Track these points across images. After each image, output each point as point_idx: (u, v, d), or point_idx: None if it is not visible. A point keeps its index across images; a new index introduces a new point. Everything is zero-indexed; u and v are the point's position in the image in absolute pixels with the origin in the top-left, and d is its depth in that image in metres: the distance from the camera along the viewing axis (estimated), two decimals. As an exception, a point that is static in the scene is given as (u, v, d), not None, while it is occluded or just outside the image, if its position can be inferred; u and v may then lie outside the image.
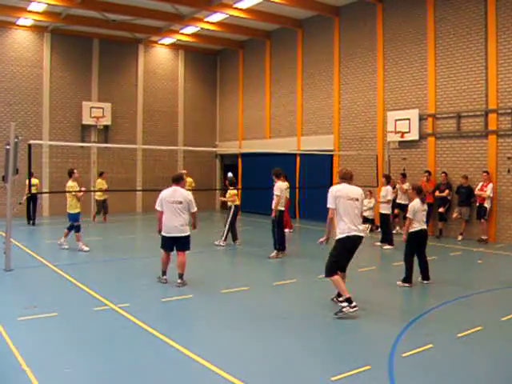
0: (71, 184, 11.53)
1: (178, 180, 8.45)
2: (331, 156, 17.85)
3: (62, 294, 7.90)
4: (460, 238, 13.81)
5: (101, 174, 18.10)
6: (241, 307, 7.21)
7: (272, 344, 5.71)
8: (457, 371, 4.97)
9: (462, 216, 13.79)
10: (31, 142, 10.41)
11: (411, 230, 8.30)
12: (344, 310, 6.55)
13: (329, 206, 6.82)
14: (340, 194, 6.78)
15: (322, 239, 7.01)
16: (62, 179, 18.73)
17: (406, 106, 15.57)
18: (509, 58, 13.12)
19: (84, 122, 20.40)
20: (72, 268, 9.69)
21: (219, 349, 5.51)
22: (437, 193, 14.29)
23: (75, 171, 11.77)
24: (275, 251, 11.07)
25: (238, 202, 13.04)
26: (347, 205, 6.73)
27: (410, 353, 5.30)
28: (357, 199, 6.83)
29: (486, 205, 13.23)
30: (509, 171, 13.16)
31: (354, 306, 6.55)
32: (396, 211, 14.71)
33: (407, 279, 8.30)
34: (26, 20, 18.39)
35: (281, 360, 5.25)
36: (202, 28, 19.28)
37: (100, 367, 5.01)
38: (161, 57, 22.73)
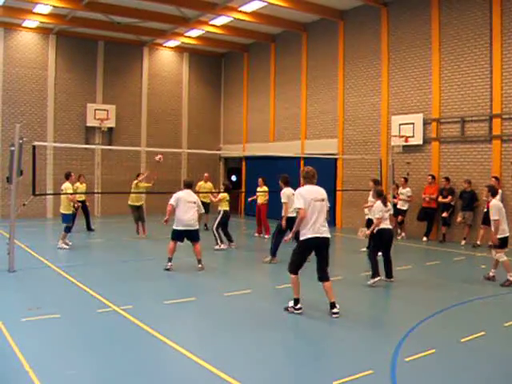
0: None
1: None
2: (335, 160, 17.85)
3: (65, 295, 7.92)
4: (463, 242, 13.77)
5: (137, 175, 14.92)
6: (243, 310, 7.20)
7: (274, 347, 5.70)
8: (459, 376, 4.96)
9: (466, 221, 13.76)
10: (36, 143, 10.43)
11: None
12: (289, 309, 6.99)
13: (299, 206, 6.77)
14: (305, 195, 6.81)
15: (287, 238, 7.57)
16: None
17: (410, 111, 15.55)
18: (513, 62, 13.12)
19: (88, 124, 20.45)
20: (75, 269, 9.71)
21: (221, 351, 5.51)
22: (440, 198, 14.27)
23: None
24: (270, 256, 10.80)
25: (226, 208, 12.75)
26: (313, 206, 6.78)
27: (413, 357, 5.28)
28: (322, 199, 6.90)
29: None
30: (513, 176, 13.13)
31: (299, 309, 6.90)
32: (400, 217, 14.68)
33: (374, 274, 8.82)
34: (31, 22, 18.45)
35: (282, 363, 5.25)
36: (206, 31, 19.31)
37: (102, 369, 5.01)
38: (165, 59, 22.79)
